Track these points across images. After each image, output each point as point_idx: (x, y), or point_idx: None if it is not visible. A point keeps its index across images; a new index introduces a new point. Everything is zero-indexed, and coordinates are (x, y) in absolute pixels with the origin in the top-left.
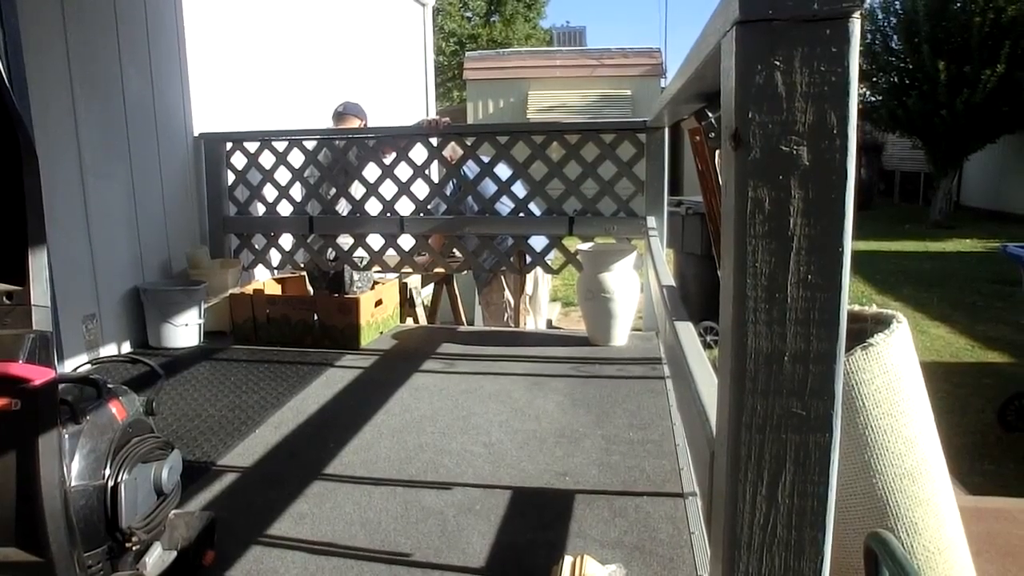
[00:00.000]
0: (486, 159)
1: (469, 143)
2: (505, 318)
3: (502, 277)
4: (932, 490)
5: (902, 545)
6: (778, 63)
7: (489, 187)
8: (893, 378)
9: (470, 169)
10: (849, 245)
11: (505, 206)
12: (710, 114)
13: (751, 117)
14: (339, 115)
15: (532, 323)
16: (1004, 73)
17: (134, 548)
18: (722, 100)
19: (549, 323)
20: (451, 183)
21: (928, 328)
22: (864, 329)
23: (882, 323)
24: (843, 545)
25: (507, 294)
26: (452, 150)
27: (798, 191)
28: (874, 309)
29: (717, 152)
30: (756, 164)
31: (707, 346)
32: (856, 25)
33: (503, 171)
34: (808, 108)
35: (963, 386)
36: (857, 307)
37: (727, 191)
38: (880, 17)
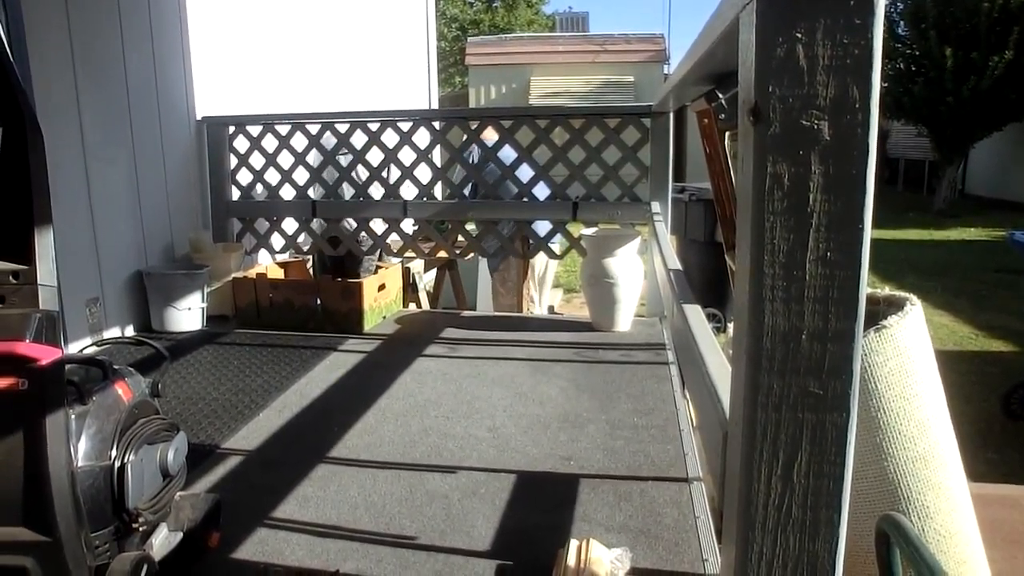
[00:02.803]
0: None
1: (474, 127)
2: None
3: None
4: (944, 474)
5: None
6: (800, 35)
7: (526, 172)
8: (906, 360)
9: (506, 156)
10: (869, 222)
11: (543, 191)
12: (720, 95)
13: (771, 91)
14: None
15: (536, 300)
16: (1012, 59)
17: (140, 529)
18: (740, 75)
19: (551, 309)
20: (488, 165)
21: (931, 317)
22: (877, 311)
23: (895, 305)
24: (854, 528)
25: (517, 271)
26: (490, 132)
27: (818, 166)
28: (887, 291)
29: (727, 134)
30: (775, 139)
31: None
32: None
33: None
34: (830, 82)
35: (967, 375)
36: (869, 290)
37: (744, 167)
38: (887, 2)
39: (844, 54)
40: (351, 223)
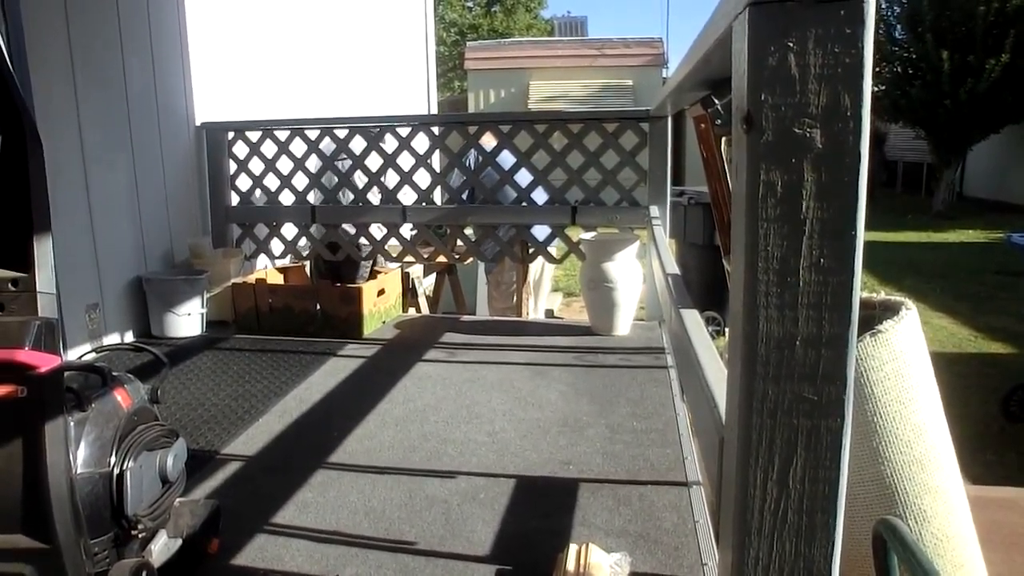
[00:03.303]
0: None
1: (472, 132)
2: (515, 299)
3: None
4: (941, 478)
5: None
6: (791, 44)
7: (525, 177)
8: (902, 364)
9: (504, 160)
10: (862, 229)
11: (541, 195)
12: (716, 101)
13: (764, 99)
14: None
15: (532, 305)
16: (1009, 62)
17: (140, 535)
18: (733, 83)
19: (551, 313)
20: (487, 170)
21: (931, 319)
22: (872, 316)
23: (890, 310)
24: (851, 532)
25: (516, 274)
26: (489, 138)
27: (811, 174)
28: (882, 296)
29: (723, 139)
30: (768, 147)
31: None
32: (871, 5)
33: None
34: (822, 90)
35: (966, 377)
36: (865, 294)
37: (738, 175)
38: (884, 6)
39: (835, 63)
40: (350, 228)
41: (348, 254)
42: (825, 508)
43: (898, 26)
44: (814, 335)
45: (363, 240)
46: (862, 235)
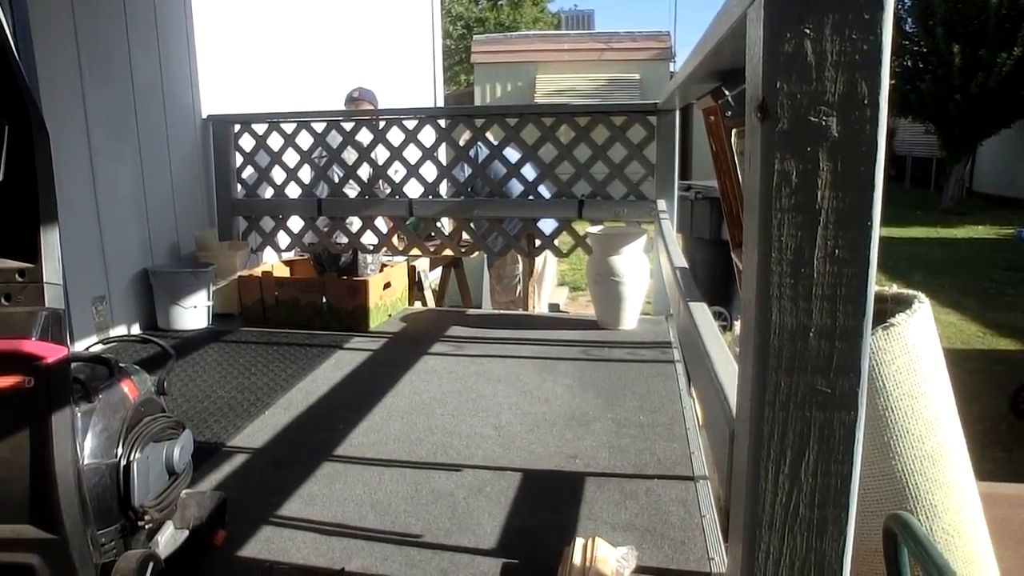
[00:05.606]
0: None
1: (479, 124)
2: (517, 292)
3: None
4: (952, 473)
5: None
6: (808, 31)
7: (531, 170)
8: (914, 359)
9: (507, 155)
10: (878, 220)
11: (547, 191)
12: (727, 92)
13: (779, 87)
14: (352, 99)
15: (536, 298)
16: (1020, 56)
17: (147, 527)
18: (748, 71)
19: (556, 307)
20: (494, 162)
21: (939, 315)
22: (884, 309)
23: (903, 303)
24: (861, 527)
25: (519, 268)
26: (494, 132)
27: (827, 163)
28: (894, 289)
29: (734, 131)
30: (783, 135)
31: None
32: None
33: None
34: (838, 77)
35: (974, 373)
36: (877, 287)
37: (752, 164)
38: None
39: (853, 50)
40: (356, 222)
41: (345, 250)
42: (837, 502)
43: (908, 19)
44: (828, 327)
45: (340, 235)
46: (878, 226)
